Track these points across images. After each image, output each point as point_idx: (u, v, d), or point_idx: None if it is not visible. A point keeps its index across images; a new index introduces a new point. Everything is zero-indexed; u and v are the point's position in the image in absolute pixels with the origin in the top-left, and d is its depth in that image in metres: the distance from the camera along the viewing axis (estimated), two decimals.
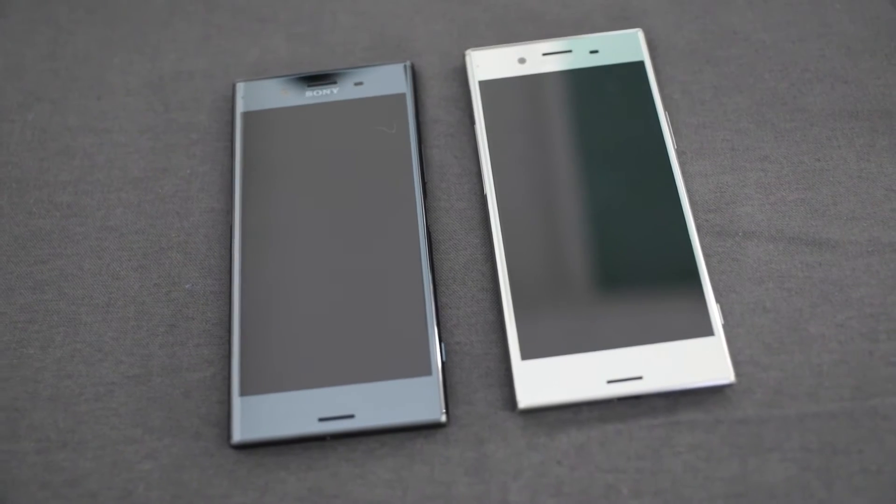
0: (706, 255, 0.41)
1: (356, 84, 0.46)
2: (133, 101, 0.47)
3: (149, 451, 0.39)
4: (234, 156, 0.44)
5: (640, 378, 0.38)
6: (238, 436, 0.38)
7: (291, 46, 0.48)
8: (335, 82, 0.46)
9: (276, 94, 0.46)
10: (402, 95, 0.45)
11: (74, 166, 0.46)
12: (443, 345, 0.39)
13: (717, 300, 0.40)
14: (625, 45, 0.46)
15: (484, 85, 0.45)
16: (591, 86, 0.45)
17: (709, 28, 0.47)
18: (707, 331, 0.39)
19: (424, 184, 0.43)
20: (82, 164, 0.46)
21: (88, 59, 0.49)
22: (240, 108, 0.46)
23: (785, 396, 0.38)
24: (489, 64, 0.46)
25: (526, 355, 0.39)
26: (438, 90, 0.47)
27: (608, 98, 0.45)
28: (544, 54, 0.46)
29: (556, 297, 0.40)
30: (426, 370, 0.39)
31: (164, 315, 0.42)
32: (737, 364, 0.39)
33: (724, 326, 0.39)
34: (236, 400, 0.39)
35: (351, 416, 0.38)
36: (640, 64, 0.45)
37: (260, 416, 0.38)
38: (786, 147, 0.44)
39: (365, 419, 0.38)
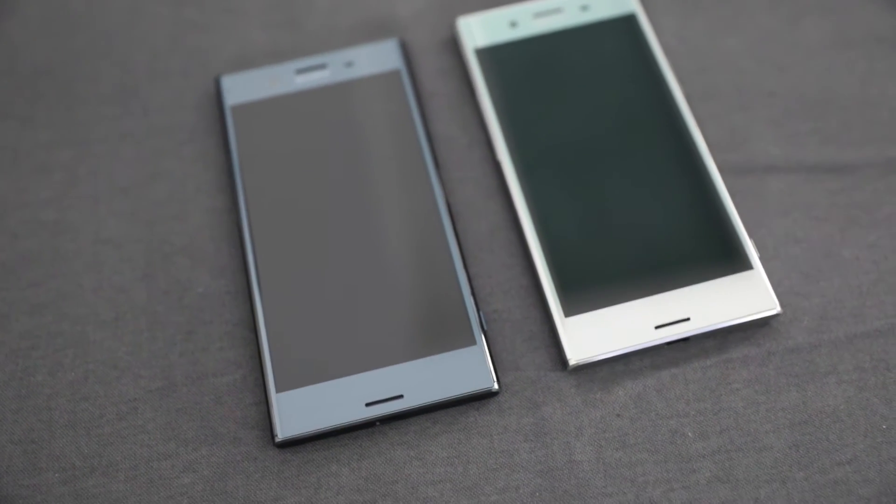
0: (731, 194, 0.43)
1: (347, 65, 0.47)
2: (108, 108, 0.48)
3: (187, 464, 0.39)
4: (230, 152, 0.45)
5: (687, 320, 0.40)
6: (282, 433, 0.39)
7: (269, 36, 0.49)
8: (325, 66, 0.47)
9: (264, 84, 0.47)
10: (397, 72, 0.47)
11: (55, 182, 0.46)
12: (481, 313, 0.41)
13: (750, 235, 0.42)
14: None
15: (479, 53, 0.47)
16: (587, 43, 0.47)
17: None
18: (745, 265, 0.41)
19: (435, 157, 0.45)
20: (63, 179, 0.46)
21: (51, 71, 0.49)
22: (228, 101, 0.46)
23: (831, 321, 0.41)
24: (481, 31, 0.48)
25: (569, 312, 0.41)
26: (432, 63, 0.48)
27: (607, 53, 0.47)
28: (535, 15, 0.48)
29: (591, 251, 0.42)
30: (470, 340, 0.40)
31: (179, 322, 0.42)
32: (778, 295, 0.41)
33: (761, 259, 0.42)
34: (274, 397, 0.39)
35: (399, 397, 0.39)
36: (633, 16, 0.48)
37: (302, 409, 0.39)
38: (789, 81, 0.47)
39: (414, 398, 0.39)
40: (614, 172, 0.44)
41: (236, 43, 0.49)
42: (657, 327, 0.40)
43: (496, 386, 0.39)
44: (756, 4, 0.49)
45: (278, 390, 0.39)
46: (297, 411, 0.39)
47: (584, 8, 0.48)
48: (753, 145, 0.45)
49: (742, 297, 0.41)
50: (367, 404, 0.39)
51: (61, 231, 0.44)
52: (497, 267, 0.43)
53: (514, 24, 0.48)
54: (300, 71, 0.47)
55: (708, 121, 0.46)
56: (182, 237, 0.44)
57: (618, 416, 0.39)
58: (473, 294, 0.41)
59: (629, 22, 0.48)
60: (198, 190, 0.45)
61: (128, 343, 0.42)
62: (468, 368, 0.39)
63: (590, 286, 0.41)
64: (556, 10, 0.48)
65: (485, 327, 0.40)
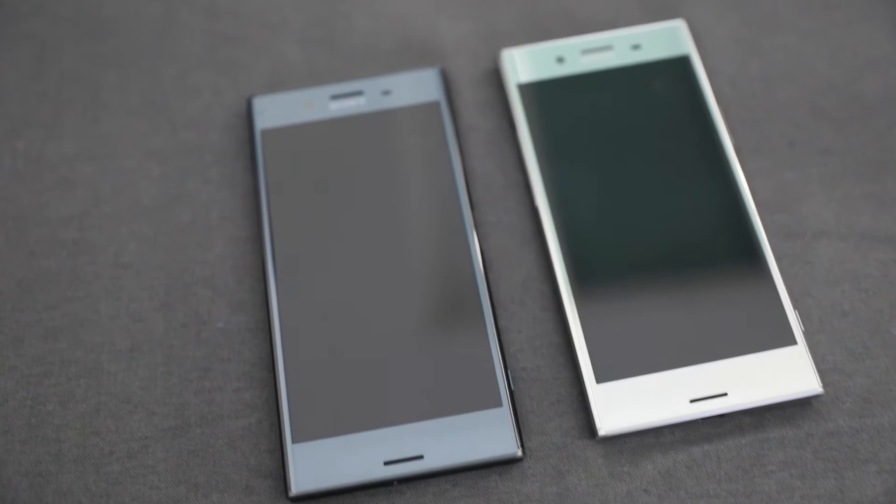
0: (777, 258, 0.41)
1: (384, 93, 0.45)
2: (135, 121, 0.46)
3: None
4: (258, 178, 0.43)
5: (724, 395, 0.38)
6: (296, 487, 0.37)
7: (305, 54, 0.47)
8: (361, 93, 0.45)
9: (297, 109, 0.45)
10: (437, 103, 0.45)
11: (77, 198, 0.44)
12: (509, 372, 0.39)
13: (794, 306, 0.40)
14: (668, 39, 0.46)
15: (522, 88, 0.45)
16: (636, 84, 0.45)
17: (751, 15, 0.47)
18: (788, 339, 0.39)
19: (471, 198, 0.43)
20: (86, 196, 0.44)
21: (80, 77, 0.47)
22: (258, 125, 0.44)
23: (875, 404, 0.39)
24: (525, 65, 0.45)
25: (601, 378, 0.39)
26: (472, 95, 0.46)
27: (656, 96, 0.44)
28: (584, 51, 0.46)
29: (628, 312, 0.40)
30: (495, 401, 0.38)
31: (196, 358, 0.40)
32: (821, 372, 0.39)
33: (805, 333, 0.40)
34: (290, 448, 0.37)
35: (419, 458, 0.37)
36: (686, 58, 0.45)
37: (318, 463, 0.37)
38: (846, 138, 0.44)
39: (435, 459, 0.37)
40: (656, 228, 0.41)
41: (270, 59, 0.47)
42: (692, 401, 0.38)
43: (520, 452, 0.37)
44: (817, 53, 0.46)
45: (294, 441, 0.38)
46: (313, 465, 0.37)
47: (636, 47, 0.46)
48: (804, 206, 0.43)
49: (783, 374, 0.38)
50: (386, 463, 0.37)
51: (81, 251, 0.43)
52: (528, 321, 0.41)
53: (560, 60, 0.45)
54: (335, 97, 0.45)
55: (757, 176, 0.43)
56: (204, 266, 0.42)
57: (645, 491, 0.37)
58: (502, 350, 0.39)
59: (682, 64, 0.45)
60: (223, 216, 0.43)
61: (142, 377, 0.40)
62: (492, 432, 0.38)
63: (625, 351, 0.39)
64: (606, 48, 0.46)
65: (511, 388, 0.39)
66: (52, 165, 0.45)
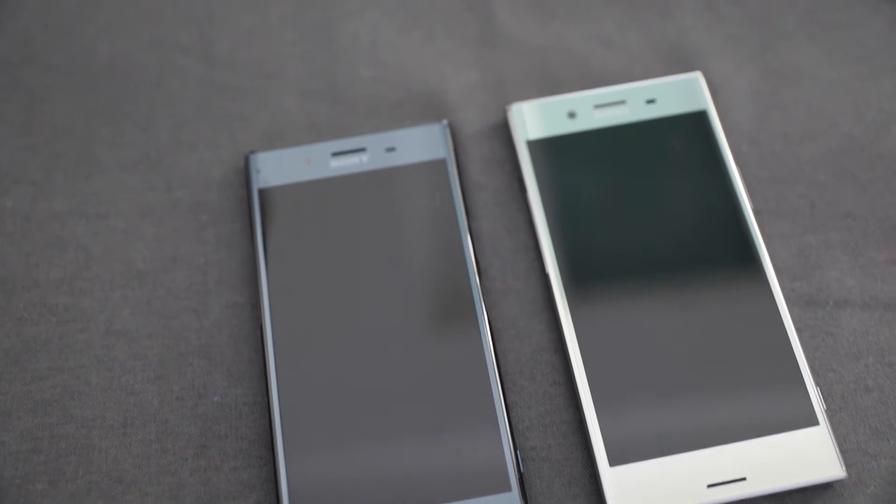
0: (798, 330, 0.39)
1: (388, 150, 0.43)
2: (129, 178, 0.44)
3: None
4: (256, 240, 0.41)
5: (743, 480, 0.36)
6: None
7: (306, 106, 0.45)
8: (364, 149, 0.43)
9: (296, 166, 0.43)
10: (443, 161, 0.43)
11: (67, 260, 0.42)
12: (518, 452, 0.37)
13: (816, 382, 0.38)
14: (684, 93, 0.44)
15: (532, 145, 0.43)
16: (651, 141, 0.43)
17: (770, 66, 0.46)
18: (810, 420, 0.37)
19: (478, 262, 0.41)
20: (76, 258, 0.42)
21: (71, 130, 0.45)
22: (256, 183, 0.43)
23: None
24: (535, 120, 0.43)
25: (614, 460, 0.37)
26: (479, 151, 0.44)
27: (671, 154, 0.43)
28: (596, 106, 0.44)
29: (643, 389, 0.38)
30: (504, 485, 0.36)
31: (191, 434, 0.39)
32: (844, 453, 0.37)
33: (826, 412, 0.38)
34: None
35: None
36: (703, 113, 0.43)
37: None
38: (869, 200, 0.42)
39: None
40: (673, 298, 0.39)
41: (269, 111, 0.45)
42: (710, 486, 0.36)
43: None
44: (839, 108, 0.44)
45: None
46: None
47: (651, 101, 0.44)
48: (826, 274, 0.41)
49: (804, 457, 0.37)
50: None
51: (71, 318, 0.41)
52: (538, 397, 0.39)
53: (571, 115, 0.43)
54: (336, 153, 0.43)
55: (777, 240, 0.42)
56: (200, 335, 0.40)
57: None
58: (511, 429, 0.37)
59: (699, 120, 0.43)
60: (219, 281, 0.42)
61: (135, 454, 0.38)
62: None
63: (639, 432, 0.37)
64: (620, 102, 0.44)
65: (521, 470, 0.37)
66: (41, 225, 0.43)
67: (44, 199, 0.43)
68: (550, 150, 0.43)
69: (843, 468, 0.36)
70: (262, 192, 0.42)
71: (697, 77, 0.44)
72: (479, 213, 0.43)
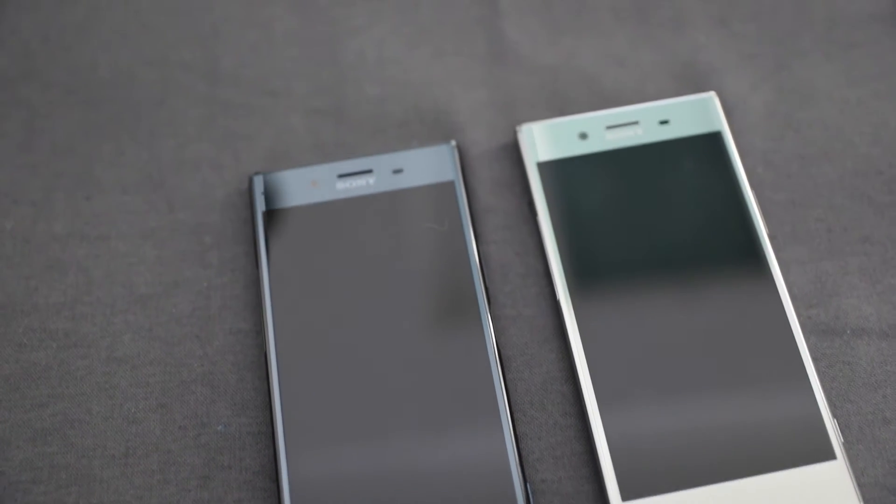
0: (814, 359, 0.39)
1: (395, 172, 0.42)
2: (130, 199, 0.43)
3: None
4: (260, 264, 0.40)
5: None
6: None
7: (311, 124, 0.44)
8: (370, 171, 0.42)
9: (301, 188, 0.42)
10: (451, 184, 0.42)
11: (68, 284, 0.41)
12: (528, 485, 0.36)
13: (833, 414, 0.37)
14: (698, 113, 0.43)
15: (542, 167, 0.42)
16: (664, 163, 0.42)
17: (786, 85, 0.44)
18: (827, 454, 0.36)
19: (487, 288, 0.40)
20: (77, 281, 0.41)
21: (72, 149, 0.44)
22: (260, 206, 0.42)
23: None
24: (546, 141, 0.42)
25: (627, 495, 0.36)
26: (489, 173, 0.43)
27: (685, 176, 0.42)
28: (608, 127, 0.43)
29: (657, 421, 0.37)
30: None
31: (194, 465, 0.38)
32: (861, 487, 0.36)
33: (843, 444, 0.37)
34: None
35: None
36: (717, 135, 0.42)
37: None
38: (888, 225, 0.41)
39: None
40: (686, 326, 0.39)
41: (274, 129, 0.44)
42: None
43: None
44: (857, 129, 0.43)
45: None
46: None
47: (664, 122, 0.43)
48: (843, 301, 0.40)
49: (821, 492, 0.36)
50: None
51: (72, 344, 0.40)
52: (549, 427, 0.38)
53: (583, 136, 0.43)
54: (342, 175, 0.42)
55: (793, 266, 0.41)
56: (203, 362, 0.40)
57: None
58: (520, 461, 0.37)
59: (713, 141, 0.42)
60: (223, 306, 0.41)
61: (137, 485, 0.37)
62: None
63: (652, 466, 0.36)
64: (632, 123, 0.43)
65: (531, 503, 0.36)
66: (41, 247, 0.42)
67: (44, 220, 0.43)
68: (561, 173, 0.42)
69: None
70: (266, 214, 0.41)
71: (712, 97, 0.43)
72: (487, 238, 0.42)
